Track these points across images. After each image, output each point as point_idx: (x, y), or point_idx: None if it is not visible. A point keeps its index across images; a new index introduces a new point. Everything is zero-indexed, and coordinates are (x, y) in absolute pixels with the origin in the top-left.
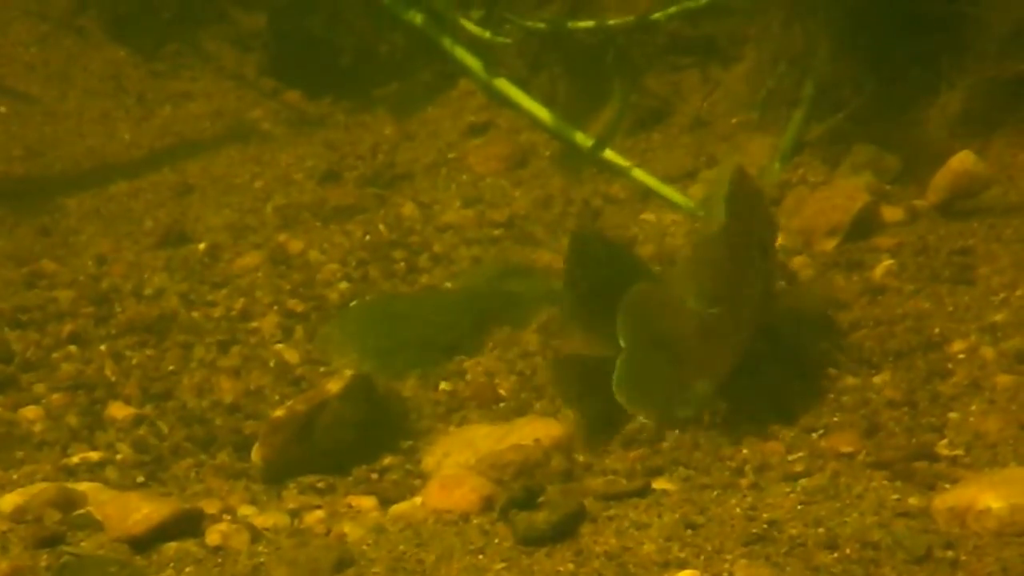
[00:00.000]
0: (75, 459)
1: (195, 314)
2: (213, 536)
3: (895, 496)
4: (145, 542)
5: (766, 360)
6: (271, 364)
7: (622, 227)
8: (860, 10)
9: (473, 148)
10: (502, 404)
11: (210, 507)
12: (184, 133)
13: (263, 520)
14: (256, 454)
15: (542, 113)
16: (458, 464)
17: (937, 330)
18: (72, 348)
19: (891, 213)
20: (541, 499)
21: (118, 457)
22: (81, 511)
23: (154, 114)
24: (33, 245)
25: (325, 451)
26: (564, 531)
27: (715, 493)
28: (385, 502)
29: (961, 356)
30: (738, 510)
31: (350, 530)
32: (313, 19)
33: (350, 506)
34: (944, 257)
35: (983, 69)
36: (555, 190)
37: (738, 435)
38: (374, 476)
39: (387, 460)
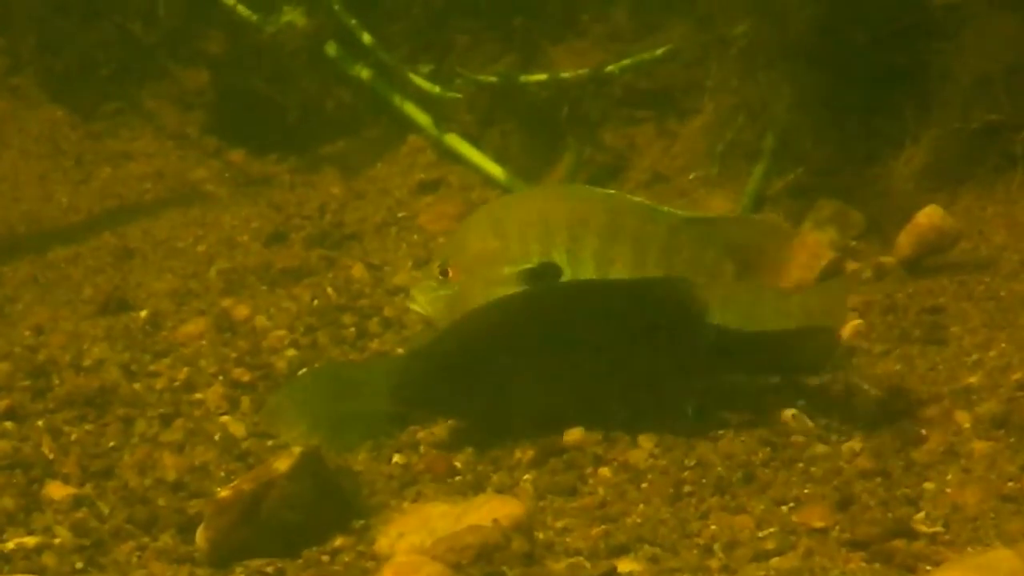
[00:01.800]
0: (10, 544)
1: (137, 386)
2: None
3: None
4: None
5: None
6: (216, 438)
7: None
8: (821, 60)
9: (424, 206)
10: (457, 477)
11: None
12: (124, 195)
13: None
14: (201, 537)
15: (494, 169)
16: (413, 546)
17: (912, 395)
18: (8, 424)
19: (857, 270)
20: None
21: (56, 541)
22: None
23: (93, 176)
24: None
25: (273, 532)
26: None
27: None
28: None
29: (935, 421)
30: None
31: None
32: (257, 75)
33: None
34: (913, 316)
35: (948, 120)
36: None
37: (705, 508)
38: (325, 559)
39: (338, 541)
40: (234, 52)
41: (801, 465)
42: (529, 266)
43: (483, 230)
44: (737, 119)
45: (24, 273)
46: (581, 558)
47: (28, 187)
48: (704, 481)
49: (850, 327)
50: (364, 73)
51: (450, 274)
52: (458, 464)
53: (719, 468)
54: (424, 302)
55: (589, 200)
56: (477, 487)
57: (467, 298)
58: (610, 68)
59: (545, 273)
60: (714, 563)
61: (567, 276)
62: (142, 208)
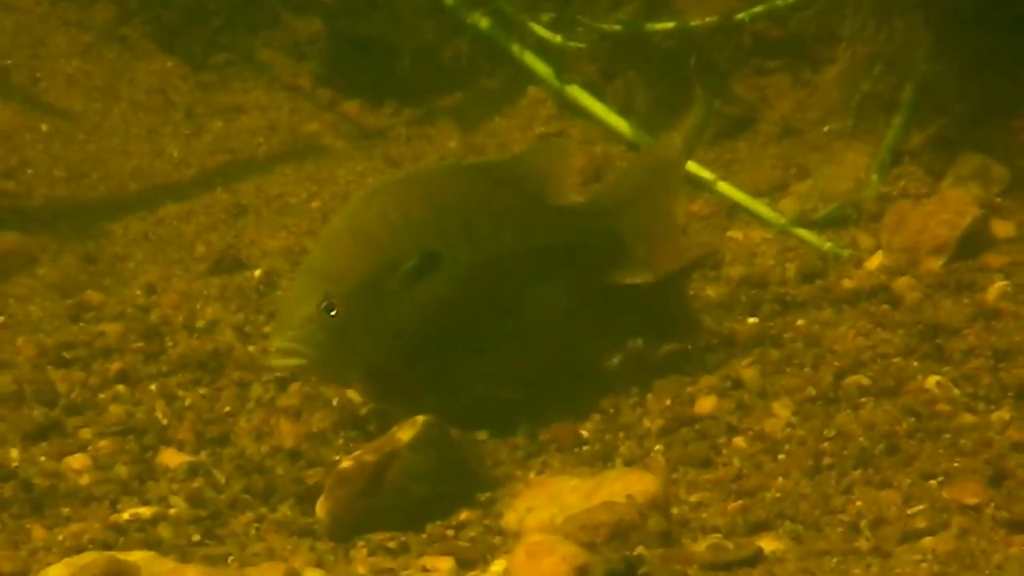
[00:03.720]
0: (125, 515)
1: (252, 348)
2: None
3: None
4: None
5: None
6: (334, 403)
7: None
8: (964, 5)
9: None
10: (585, 447)
11: (273, 571)
12: (236, 150)
13: None
14: (321, 508)
15: (618, 123)
16: (542, 522)
17: None
18: (120, 388)
19: (1002, 228)
20: (642, 571)
21: (171, 512)
22: None
23: (204, 129)
24: (78, 274)
25: (396, 505)
26: None
27: (834, 561)
28: (463, 563)
29: None
30: None
31: None
32: (371, 24)
33: (425, 568)
34: None
35: None
36: None
37: (848, 482)
38: (450, 533)
39: (463, 515)
40: None
41: (948, 436)
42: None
43: (354, 246)
44: (874, 68)
45: (135, 230)
46: (719, 536)
47: (138, 141)
48: (845, 453)
49: (995, 289)
50: (482, 21)
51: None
52: (585, 433)
53: (861, 439)
54: (299, 347)
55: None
56: (605, 458)
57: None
58: (740, 16)
59: (427, 265)
60: (862, 543)
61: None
62: (254, 163)
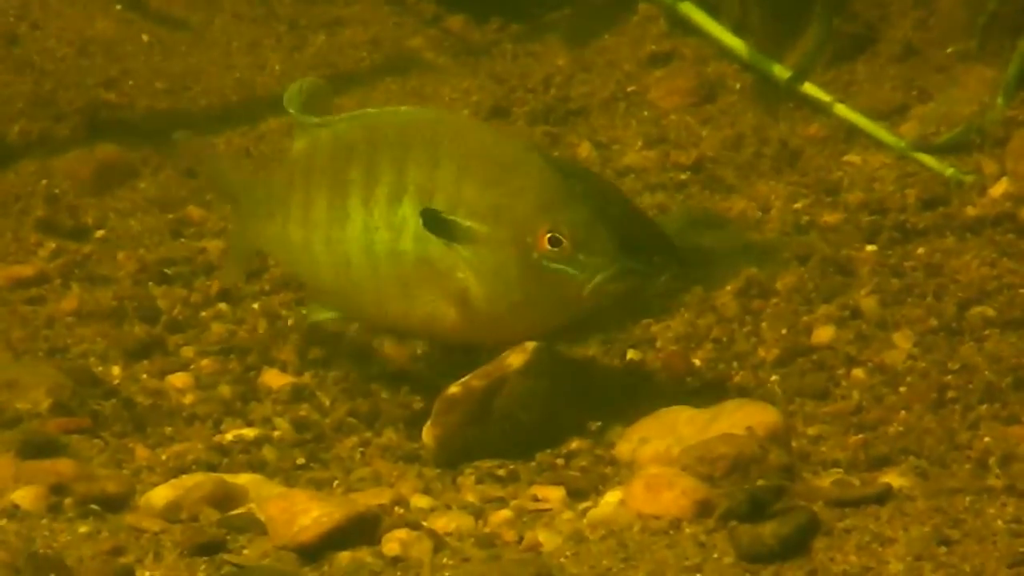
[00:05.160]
0: (229, 436)
1: None
2: (391, 545)
3: None
4: (315, 551)
5: None
6: None
7: (824, 170)
8: None
9: (655, 81)
10: (696, 377)
11: (380, 496)
12: (339, 64)
13: (444, 522)
14: (428, 434)
15: (732, 41)
16: (657, 452)
17: None
18: (222, 306)
19: None
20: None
21: (275, 434)
22: (241, 510)
23: (307, 42)
24: (179, 189)
25: (504, 433)
26: (795, 546)
27: (967, 499)
28: (574, 494)
29: None
30: (999, 523)
31: (545, 539)
32: None
33: (536, 498)
34: None
35: None
36: (747, 128)
37: (974, 417)
38: (559, 462)
39: (574, 443)
40: None
41: None
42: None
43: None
44: None
45: (236, 145)
46: (841, 471)
47: (240, 54)
48: (970, 386)
49: None
50: None
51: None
52: (697, 362)
53: (986, 372)
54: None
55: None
56: (718, 388)
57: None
58: None
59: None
60: (993, 481)
61: None
62: (357, 77)
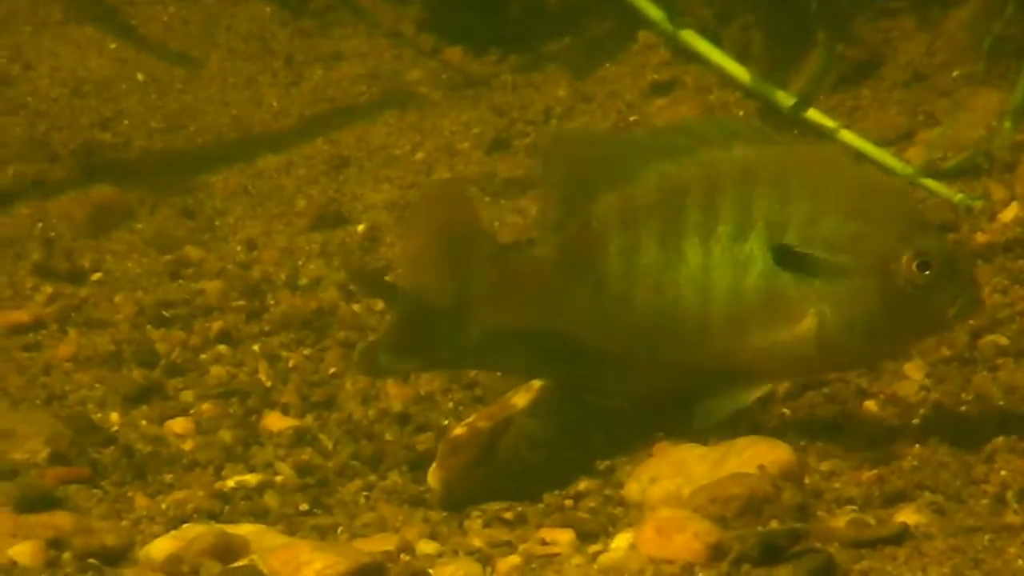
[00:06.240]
0: (230, 483)
1: (356, 306)
2: None
3: None
4: None
5: None
6: None
7: None
8: None
9: (657, 110)
10: None
11: (385, 542)
12: (337, 98)
13: (451, 569)
14: (433, 477)
15: (735, 68)
16: (668, 493)
17: None
18: (222, 348)
19: None
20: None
21: (278, 479)
22: (243, 562)
23: (304, 77)
24: (176, 229)
25: (511, 474)
26: None
27: (986, 538)
28: (583, 536)
29: None
30: (1020, 562)
31: None
32: None
33: (544, 541)
34: None
35: None
36: None
37: (990, 450)
38: (568, 503)
39: (582, 484)
40: None
41: None
42: None
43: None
44: (1006, 9)
45: (234, 183)
46: (855, 509)
47: (236, 90)
48: (985, 418)
49: None
50: None
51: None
52: None
53: (1001, 402)
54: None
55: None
56: (729, 424)
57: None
58: None
59: None
60: (1012, 517)
61: None
62: (356, 112)
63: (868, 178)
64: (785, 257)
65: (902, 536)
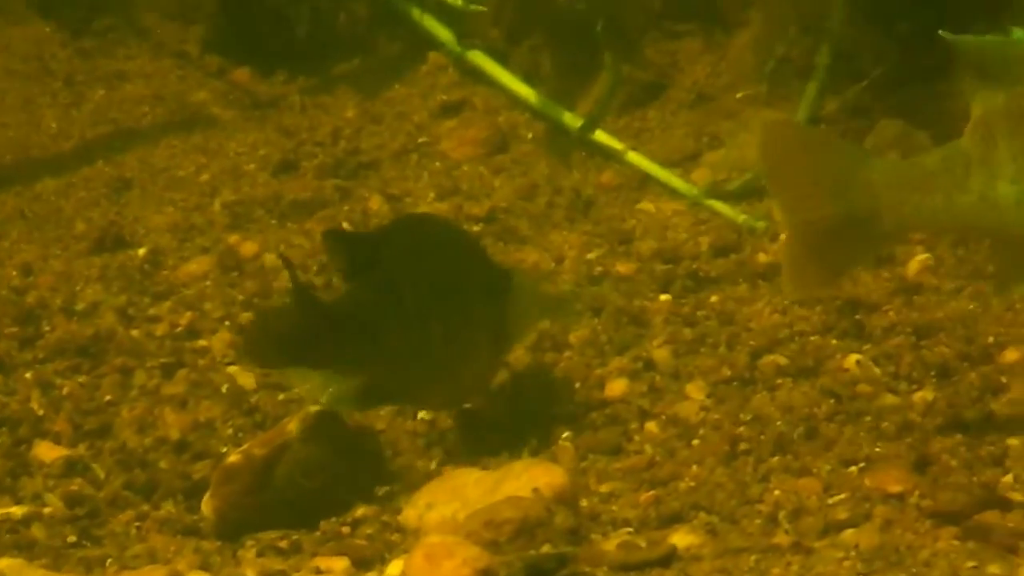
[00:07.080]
0: None
1: (135, 332)
2: None
3: (971, 564)
4: None
5: None
6: (223, 390)
7: (618, 219)
8: None
9: (446, 131)
10: (489, 436)
11: (154, 574)
12: (119, 120)
13: None
14: (207, 506)
15: (523, 90)
16: (444, 518)
17: (989, 338)
18: None
19: None
20: None
21: (46, 511)
22: None
23: (85, 98)
24: None
25: (287, 501)
26: None
27: (752, 559)
28: (359, 563)
29: (1016, 368)
30: None
31: None
32: None
33: (319, 570)
34: (987, 249)
35: None
36: (540, 178)
37: (765, 469)
38: (345, 530)
39: (360, 511)
40: None
41: (869, 419)
42: None
43: None
44: (788, 32)
45: (10, 207)
46: (631, 531)
47: (14, 111)
48: (763, 438)
49: (916, 262)
50: None
51: None
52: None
53: (778, 423)
54: None
55: None
56: (512, 447)
57: None
58: None
59: None
60: (782, 537)
61: None
62: (139, 134)
63: None
64: None
65: (670, 558)
